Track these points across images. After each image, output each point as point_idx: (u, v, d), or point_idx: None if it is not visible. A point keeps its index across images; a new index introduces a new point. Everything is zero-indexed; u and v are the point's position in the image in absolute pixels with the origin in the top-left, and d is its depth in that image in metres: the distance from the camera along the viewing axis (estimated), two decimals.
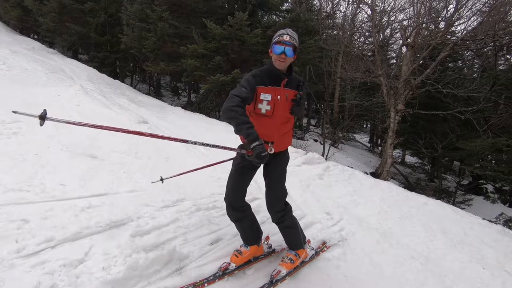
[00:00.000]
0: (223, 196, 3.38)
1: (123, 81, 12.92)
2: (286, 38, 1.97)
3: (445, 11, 9.61)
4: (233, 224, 2.37)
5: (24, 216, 2.32)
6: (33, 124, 4.26)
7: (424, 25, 9.50)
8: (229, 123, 1.89)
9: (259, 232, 2.38)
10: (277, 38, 2.00)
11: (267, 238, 2.59)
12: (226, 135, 6.12)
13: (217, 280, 2.12)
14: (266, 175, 2.24)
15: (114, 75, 13.15)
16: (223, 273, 2.17)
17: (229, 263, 2.22)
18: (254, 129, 1.83)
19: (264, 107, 2.04)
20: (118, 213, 2.62)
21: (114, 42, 12.63)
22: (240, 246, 2.36)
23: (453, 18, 9.06)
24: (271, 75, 2.04)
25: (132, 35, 10.56)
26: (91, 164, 3.52)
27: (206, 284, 2.07)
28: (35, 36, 16.67)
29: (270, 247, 2.56)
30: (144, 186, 3.26)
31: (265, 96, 2.02)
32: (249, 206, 2.29)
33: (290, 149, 2.63)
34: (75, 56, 14.64)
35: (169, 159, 4.32)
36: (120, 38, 11.20)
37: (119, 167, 3.60)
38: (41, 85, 7.02)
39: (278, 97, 2.04)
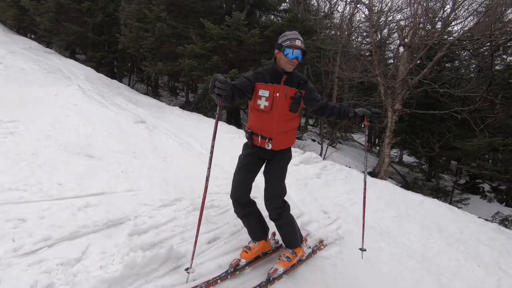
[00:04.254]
0: (221, 195, 3.38)
1: (120, 81, 12.91)
2: (298, 43, 2.04)
3: (441, 11, 9.69)
4: (230, 223, 2.38)
5: (21, 215, 2.32)
6: (30, 124, 4.25)
7: (421, 25, 9.54)
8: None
9: (265, 227, 2.44)
10: (288, 42, 2.05)
11: (273, 234, 2.62)
12: (224, 135, 6.12)
13: (229, 276, 2.16)
14: (266, 171, 2.30)
15: (111, 75, 13.12)
16: (235, 269, 2.21)
17: (240, 260, 2.27)
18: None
19: (262, 103, 2.12)
20: (115, 212, 2.62)
21: (112, 42, 12.62)
22: (248, 242, 2.41)
23: (450, 18, 9.13)
24: (273, 73, 2.13)
25: (130, 35, 10.54)
26: (89, 163, 3.52)
27: (219, 281, 2.10)
28: (32, 36, 16.60)
29: (277, 242, 2.60)
30: (142, 186, 3.26)
31: (263, 93, 2.11)
32: (254, 203, 2.34)
33: None
34: (72, 56, 14.59)
35: (167, 159, 4.32)
36: (118, 38, 11.17)
37: (117, 167, 3.60)
38: (39, 85, 7.00)
39: (277, 94, 2.10)
